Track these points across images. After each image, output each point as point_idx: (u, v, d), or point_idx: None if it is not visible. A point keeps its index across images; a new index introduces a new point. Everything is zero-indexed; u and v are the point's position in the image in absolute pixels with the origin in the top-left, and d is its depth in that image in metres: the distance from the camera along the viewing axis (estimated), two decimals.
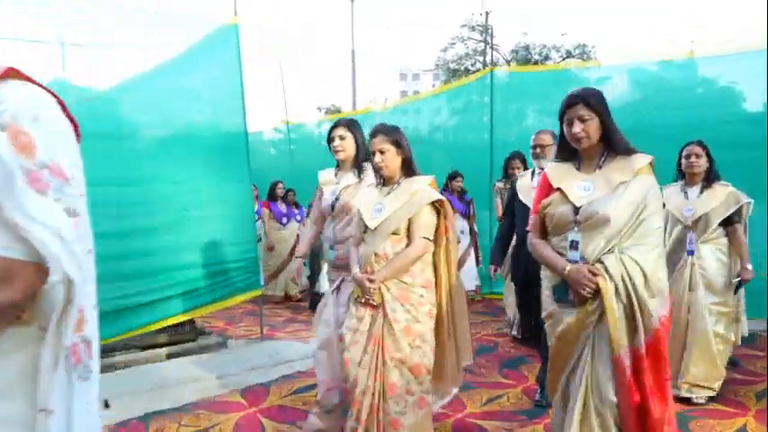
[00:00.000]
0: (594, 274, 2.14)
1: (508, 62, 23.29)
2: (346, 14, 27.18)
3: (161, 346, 4.71)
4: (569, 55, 22.34)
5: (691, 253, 3.68)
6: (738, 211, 3.68)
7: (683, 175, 3.82)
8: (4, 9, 4.65)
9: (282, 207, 7.79)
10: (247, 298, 5.12)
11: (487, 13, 22.35)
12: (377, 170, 2.78)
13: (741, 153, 5.51)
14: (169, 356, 4.64)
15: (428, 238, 2.67)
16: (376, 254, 2.65)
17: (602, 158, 2.29)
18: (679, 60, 6.47)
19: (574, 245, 2.22)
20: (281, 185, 7.81)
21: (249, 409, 3.46)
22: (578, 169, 2.33)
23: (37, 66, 4.79)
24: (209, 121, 5.29)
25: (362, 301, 2.66)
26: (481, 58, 23.37)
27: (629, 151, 2.27)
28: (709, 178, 3.73)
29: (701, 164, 3.70)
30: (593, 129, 2.23)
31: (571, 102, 2.26)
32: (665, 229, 3.73)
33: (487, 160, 7.11)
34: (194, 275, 4.84)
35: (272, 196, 7.76)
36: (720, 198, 3.64)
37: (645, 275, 2.13)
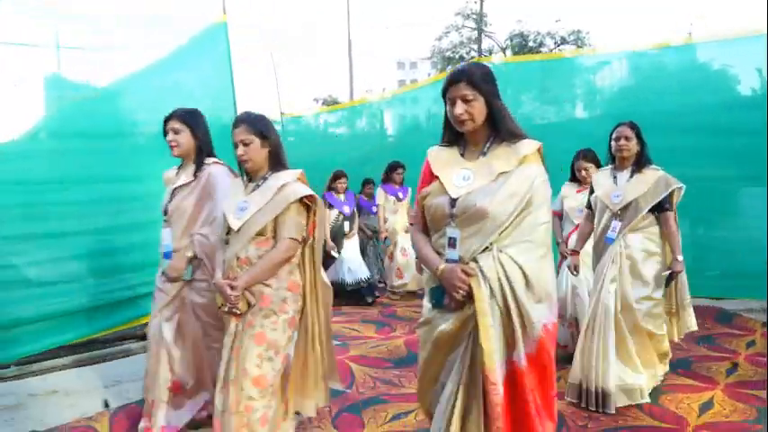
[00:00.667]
0: (469, 275, 1.91)
1: (503, 50, 23.37)
2: (343, 6, 27.20)
3: None
4: (564, 41, 22.43)
5: (609, 240, 3.43)
6: (670, 198, 3.42)
7: (614, 159, 3.58)
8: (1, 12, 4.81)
9: None
10: None
11: (482, 1, 22.36)
12: (240, 164, 2.54)
13: (740, 139, 5.65)
14: None
15: (296, 239, 2.44)
16: (238, 258, 2.42)
17: (488, 144, 2.03)
18: (677, 46, 6.50)
19: (451, 242, 1.97)
20: None
21: None
22: (462, 155, 2.08)
23: (33, 67, 4.96)
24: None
25: (225, 310, 2.44)
26: (476, 46, 23.45)
27: (516, 136, 2.00)
28: (640, 162, 3.47)
29: (631, 147, 3.45)
30: (477, 110, 1.97)
31: (453, 79, 1.99)
32: (595, 216, 3.61)
33: None
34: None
35: None
36: (650, 183, 3.38)
37: (526, 277, 1.89)
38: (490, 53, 23.42)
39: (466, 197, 1.97)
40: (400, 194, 6.84)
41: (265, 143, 2.49)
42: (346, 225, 6.54)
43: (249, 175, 2.56)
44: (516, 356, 1.88)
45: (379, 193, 6.80)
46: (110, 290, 4.48)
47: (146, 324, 4.76)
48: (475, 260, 1.93)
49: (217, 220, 2.77)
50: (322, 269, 2.60)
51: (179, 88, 5.36)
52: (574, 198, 4.28)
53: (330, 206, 6.58)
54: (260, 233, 2.42)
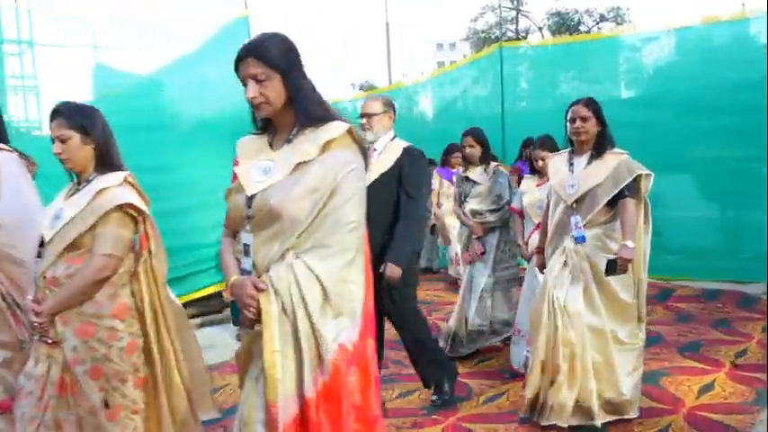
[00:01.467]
0: (259, 290, 1.60)
1: (540, 29, 22.96)
2: None
3: (191, 317, 5.22)
4: (603, 19, 21.87)
5: (581, 240, 2.92)
6: (637, 186, 2.97)
7: (572, 143, 3.13)
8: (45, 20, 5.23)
9: None
10: None
11: None
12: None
13: None
14: (200, 326, 5.13)
15: (113, 255, 2.07)
16: (45, 276, 2.07)
17: (294, 130, 1.71)
18: (728, 20, 6.19)
19: (246, 249, 1.68)
20: None
21: None
22: (271, 145, 1.76)
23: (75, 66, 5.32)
24: (227, 109, 5.72)
25: (36, 338, 2.11)
26: (512, 26, 23.12)
27: (322, 119, 1.69)
28: (600, 146, 3.00)
29: (588, 128, 2.99)
30: (272, 91, 1.65)
31: (240, 56, 1.67)
32: (549, 207, 3.18)
33: (499, 135, 7.24)
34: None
35: None
36: (609, 169, 2.92)
37: (324, 289, 1.58)
38: (527, 33, 23.06)
39: (261, 194, 1.66)
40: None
41: (87, 139, 2.12)
42: None
43: (78, 177, 2.20)
44: (306, 387, 1.56)
45: (435, 177, 6.58)
46: None
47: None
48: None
49: (22, 225, 2.37)
50: (167, 287, 2.25)
51: (205, 82, 5.63)
52: (532, 193, 3.83)
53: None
54: (72, 247, 2.06)
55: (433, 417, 3.22)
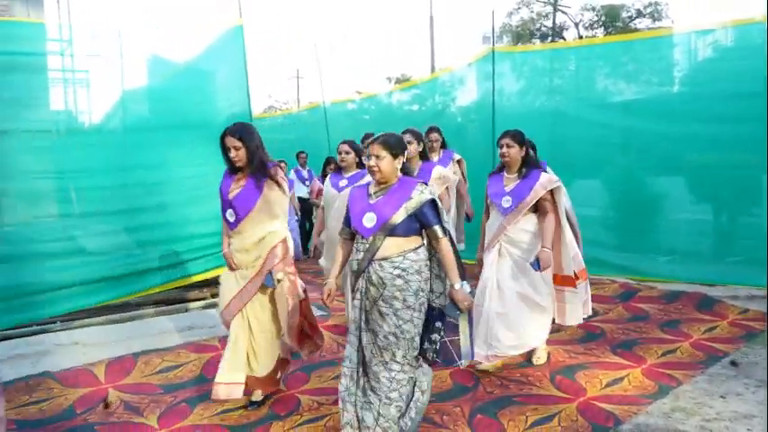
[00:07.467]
0: None
1: (576, 24, 22.71)
2: None
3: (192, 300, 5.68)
4: (639, 14, 21.40)
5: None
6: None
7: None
8: None
9: None
10: None
11: None
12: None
13: None
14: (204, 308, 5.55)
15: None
16: None
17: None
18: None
19: None
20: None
21: None
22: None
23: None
24: (220, 111, 6.20)
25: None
26: (547, 22, 22.93)
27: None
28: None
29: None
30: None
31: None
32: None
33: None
34: (208, 243, 5.78)
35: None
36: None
37: None
38: (562, 29, 22.85)
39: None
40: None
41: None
42: None
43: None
44: None
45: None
46: (134, 261, 5.32)
47: (159, 292, 5.55)
48: None
49: None
50: None
51: (201, 86, 6.13)
52: None
53: None
54: None
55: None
